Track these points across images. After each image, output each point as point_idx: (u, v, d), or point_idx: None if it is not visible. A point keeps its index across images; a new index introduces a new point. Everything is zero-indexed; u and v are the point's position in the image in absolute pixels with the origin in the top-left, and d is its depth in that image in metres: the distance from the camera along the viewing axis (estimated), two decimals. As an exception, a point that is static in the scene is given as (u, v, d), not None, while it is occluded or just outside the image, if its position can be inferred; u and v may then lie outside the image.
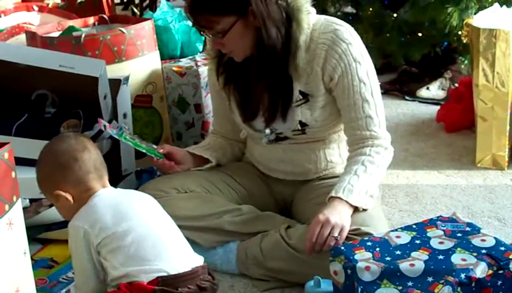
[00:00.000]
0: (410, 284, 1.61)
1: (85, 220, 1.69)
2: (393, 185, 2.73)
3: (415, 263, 1.65)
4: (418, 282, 1.61)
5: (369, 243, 1.75)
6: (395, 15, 3.97)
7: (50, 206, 2.28)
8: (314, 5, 2.10)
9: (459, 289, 1.59)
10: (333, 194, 1.97)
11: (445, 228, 1.81)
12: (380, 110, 2.08)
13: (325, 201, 2.00)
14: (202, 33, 2.10)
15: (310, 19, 2.06)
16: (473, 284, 1.60)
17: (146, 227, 1.71)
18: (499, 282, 1.63)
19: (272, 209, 2.26)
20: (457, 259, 1.66)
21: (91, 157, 1.77)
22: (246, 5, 1.96)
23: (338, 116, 2.14)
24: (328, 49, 2.04)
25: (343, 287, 1.70)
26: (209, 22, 1.98)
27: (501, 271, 1.63)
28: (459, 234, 1.77)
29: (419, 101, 3.91)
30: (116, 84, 2.45)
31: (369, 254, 1.70)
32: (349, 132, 2.11)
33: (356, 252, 1.71)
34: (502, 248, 1.68)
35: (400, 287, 1.61)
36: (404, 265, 1.64)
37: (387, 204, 2.57)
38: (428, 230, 1.81)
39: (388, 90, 4.02)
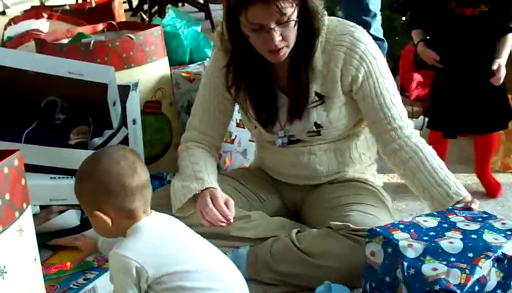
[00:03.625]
0: (453, 259, 1.63)
1: (136, 254, 1.59)
2: (403, 189, 2.72)
3: (453, 241, 1.67)
4: (461, 258, 1.63)
5: (402, 226, 1.77)
6: (404, 18, 3.96)
7: (61, 212, 2.29)
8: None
9: (495, 264, 1.62)
10: (459, 198, 1.95)
11: (464, 215, 1.84)
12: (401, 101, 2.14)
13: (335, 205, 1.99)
14: (249, 29, 1.96)
15: (325, 20, 2.06)
16: (505, 262, 1.63)
17: (204, 266, 1.65)
18: None
19: (282, 214, 2.26)
20: (489, 237, 1.69)
21: (140, 181, 1.65)
22: None
23: (353, 117, 2.16)
24: (347, 50, 2.05)
25: (381, 267, 1.71)
26: (282, 6, 1.88)
27: None
28: (480, 219, 1.81)
29: (429, 104, 3.90)
30: (125, 90, 2.45)
31: (406, 235, 1.71)
32: (383, 129, 2.09)
33: (393, 232, 1.72)
34: None
35: (444, 262, 1.62)
36: (444, 243, 1.67)
37: (398, 208, 2.57)
38: (449, 216, 1.84)
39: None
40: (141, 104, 2.66)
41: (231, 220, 1.95)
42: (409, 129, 2.09)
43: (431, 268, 1.61)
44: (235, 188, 2.26)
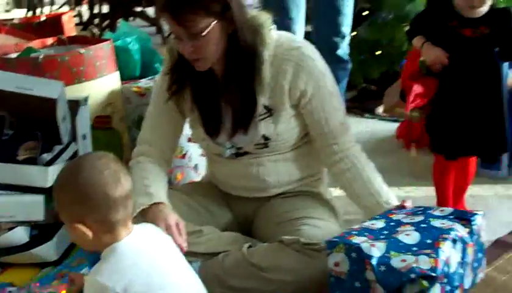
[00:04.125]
0: (415, 248, 1.68)
1: (115, 282, 1.51)
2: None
3: (409, 233, 1.73)
4: (422, 245, 1.68)
5: (355, 232, 1.80)
6: (353, 34, 4.00)
7: (10, 229, 2.26)
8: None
9: (453, 245, 1.69)
10: (388, 206, 2.03)
11: (403, 212, 1.91)
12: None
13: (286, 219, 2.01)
14: (172, 37, 2.01)
15: (273, 35, 2.08)
16: (459, 241, 1.71)
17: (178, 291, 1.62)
18: (475, 237, 1.76)
19: (233, 228, 2.26)
20: (437, 223, 1.77)
21: (123, 191, 1.57)
22: (226, 8, 1.95)
23: (301, 130, 2.17)
24: (295, 65, 2.07)
25: (348, 275, 1.72)
26: (189, 20, 1.92)
27: (474, 227, 1.76)
28: (419, 212, 1.88)
29: (379, 119, 3.94)
30: (75, 105, 2.44)
31: (363, 238, 1.75)
32: (327, 142, 2.15)
33: (351, 238, 1.75)
34: (461, 210, 1.85)
35: (409, 253, 1.66)
36: (402, 236, 1.72)
37: (348, 221, 2.57)
38: (391, 216, 1.90)
39: (348, 108, 4.05)
40: (91, 119, 2.64)
41: (185, 250, 1.95)
42: (351, 142, 2.17)
43: (399, 260, 1.65)
44: (186, 203, 2.25)
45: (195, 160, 2.89)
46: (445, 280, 1.65)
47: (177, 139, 2.32)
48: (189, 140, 2.79)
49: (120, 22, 3.38)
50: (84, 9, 7.82)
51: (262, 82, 2.06)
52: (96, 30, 6.56)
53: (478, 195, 2.68)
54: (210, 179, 2.40)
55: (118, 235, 1.59)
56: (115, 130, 2.85)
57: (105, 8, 6.63)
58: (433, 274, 1.61)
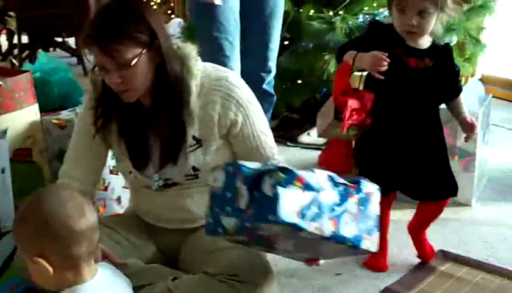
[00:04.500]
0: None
1: None
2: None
3: None
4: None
5: None
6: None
7: None
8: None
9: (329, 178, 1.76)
10: None
11: None
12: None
13: (212, 249, 2.01)
14: (98, 68, 1.99)
15: (199, 65, 2.10)
16: (339, 186, 1.76)
17: None
18: (361, 196, 1.81)
19: (158, 260, 2.24)
20: None
21: (87, 226, 1.52)
22: (153, 38, 1.95)
23: (230, 158, 2.19)
24: (224, 95, 2.09)
25: (222, 189, 1.75)
26: (116, 51, 1.91)
27: (362, 186, 1.82)
28: None
29: (301, 147, 3.98)
30: (-7, 138, 2.39)
31: None
32: None
33: None
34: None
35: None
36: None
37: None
38: None
39: (271, 137, 4.08)
40: (10, 152, 2.59)
41: None
42: (280, 163, 2.15)
43: None
44: (109, 236, 2.21)
45: (118, 192, 2.87)
46: (312, 194, 1.67)
47: (100, 172, 2.29)
48: (112, 171, 2.76)
49: (40, 53, 3.32)
50: (3, 39, 7.68)
51: (191, 113, 2.07)
52: (15, 61, 6.44)
53: (400, 219, 2.72)
54: (134, 210, 2.38)
55: (81, 274, 1.54)
56: (35, 163, 2.80)
57: (25, 39, 6.52)
58: (290, 168, 1.66)
